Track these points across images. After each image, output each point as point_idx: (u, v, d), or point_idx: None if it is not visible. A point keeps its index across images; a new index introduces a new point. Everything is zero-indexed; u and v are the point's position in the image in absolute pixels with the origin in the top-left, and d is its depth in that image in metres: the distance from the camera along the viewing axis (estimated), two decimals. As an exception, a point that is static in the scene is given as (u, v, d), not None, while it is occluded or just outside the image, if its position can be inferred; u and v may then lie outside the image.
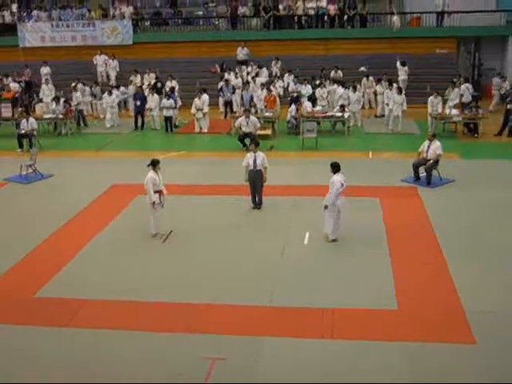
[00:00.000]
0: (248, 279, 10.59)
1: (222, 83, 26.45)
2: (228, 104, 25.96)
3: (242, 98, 24.80)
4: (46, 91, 26.76)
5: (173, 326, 9.07)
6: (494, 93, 26.68)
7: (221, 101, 26.73)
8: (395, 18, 29.83)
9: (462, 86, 24.08)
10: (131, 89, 27.16)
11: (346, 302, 9.68)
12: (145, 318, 9.38)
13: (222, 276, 10.74)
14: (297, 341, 8.61)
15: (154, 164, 12.55)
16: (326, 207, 11.90)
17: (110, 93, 24.62)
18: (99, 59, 30.12)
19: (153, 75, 28.77)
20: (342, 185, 11.87)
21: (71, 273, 11.05)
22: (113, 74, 29.97)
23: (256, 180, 14.00)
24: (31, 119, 20.71)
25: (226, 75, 27.69)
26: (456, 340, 8.54)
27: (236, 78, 27.30)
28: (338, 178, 11.93)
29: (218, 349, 8.40)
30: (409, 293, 9.95)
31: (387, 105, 23.32)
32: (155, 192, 12.34)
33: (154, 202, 12.30)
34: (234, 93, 25.98)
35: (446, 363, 7.99)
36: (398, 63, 27.52)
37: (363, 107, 25.47)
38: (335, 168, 12.08)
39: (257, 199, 14.19)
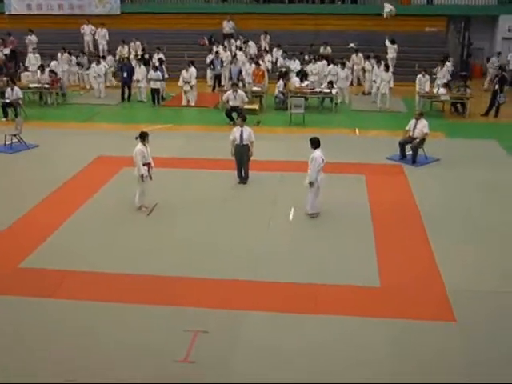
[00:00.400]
0: (232, 254, 10.62)
1: (211, 56, 26.26)
2: (217, 77, 25.79)
3: (230, 71, 24.65)
4: (33, 60, 26.24)
5: (155, 299, 9.09)
6: (490, 71, 26.72)
7: (209, 74, 26.61)
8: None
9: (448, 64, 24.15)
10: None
11: (329, 278, 9.75)
12: (127, 290, 9.39)
13: (206, 250, 10.76)
14: (279, 315, 8.67)
15: (143, 137, 12.47)
16: (311, 184, 11.90)
17: (98, 62, 24.36)
18: (86, 28, 29.73)
19: (139, 44, 28.51)
20: (323, 160, 11.87)
21: (55, 244, 11.03)
22: (102, 44, 29.50)
23: (242, 154, 13.97)
24: (16, 88, 20.46)
25: (215, 48, 27.49)
26: (437, 317, 8.64)
27: (225, 51, 27.07)
28: (318, 153, 11.93)
29: (200, 322, 8.45)
30: (391, 270, 10.03)
31: (375, 82, 23.30)
32: (143, 165, 12.27)
33: (142, 175, 12.25)
34: (222, 66, 25.81)
35: (426, 340, 8.10)
36: (387, 41, 27.42)
37: (351, 84, 25.41)
38: (316, 143, 12.06)
39: (243, 174, 14.18)
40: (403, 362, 7.68)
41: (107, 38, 29.48)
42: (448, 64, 24.38)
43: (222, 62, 25.99)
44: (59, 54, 26.40)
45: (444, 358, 7.72)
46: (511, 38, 29.34)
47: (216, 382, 7.27)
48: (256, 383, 7.23)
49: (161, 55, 26.11)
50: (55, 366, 7.55)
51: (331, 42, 28.20)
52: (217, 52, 26.48)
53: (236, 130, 14.00)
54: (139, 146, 12.35)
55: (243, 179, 14.20)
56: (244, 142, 13.87)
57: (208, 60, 26.43)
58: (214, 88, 25.73)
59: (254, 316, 8.68)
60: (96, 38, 29.70)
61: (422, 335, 8.21)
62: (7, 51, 28.35)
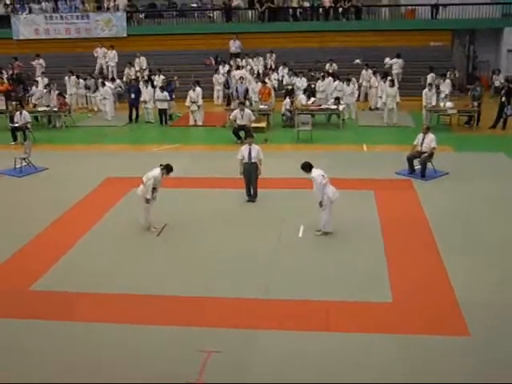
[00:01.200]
0: (243, 272, 10.59)
1: (220, 75, 26.32)
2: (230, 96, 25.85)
3: (236, 90, 24.75)
4: (40, 84, 26.30)
5: (168, 319, 9.06)
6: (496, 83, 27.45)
7: (221, 94, 26.77)
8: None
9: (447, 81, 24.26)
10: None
11: (340, 294, 9.69)
12: (139, 311, 9.36)
13: (217, 269, 10.74)
14: (292, 333, 8.61)
15: (168, 169, 12.39)
16: (320, 204, 11.88)
17: (103, 84, 24.54)
18: (100, 52, 29.93)
19: (143, 59, 28.72)
20: (323, 176, 11.82)
21: (67, 265, 11.02)
22: (111, 66, 29.66)
23: (251, 173, 13.99)
24: (24, 112, 20.61)
25: (221, 68, 27.66)
26: (450, 332, 8.56)
27: (236, 70, 27.26)
28: (316, 172, 11.89)
29: (213, 342, 8.40)
30: (403, 285, 9.97)
31: (380, 98, 23.35)
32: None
33: (148, 200, 12.25)
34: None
35: (440, 355, 8.01)
36: (388, 59, 27.51)
37: (358, 99, 25.47)
38: (307, 167, 11.99)
39: (251, 192, 14.18)
40: (417, 378, 7.58)
41: (116, 59, 29.65)
42: (447, 77, 24.50)
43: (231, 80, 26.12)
44: (66, 78, 26.62)
45: (459, 374, 7.62)
46: (516, 51, 29.42)
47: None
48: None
49: (162, 77, 26.26)
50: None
51: (336, 59, 28.31)
52: (228, 71, 26.65)
53: (244, 149, 14.03)
54: (158, 173, 12.27)
55: (252, 197, 14.20)
56: (252, 160, 13.88)
57: (218, 80, 26.45)
58: (228, 104, 25.55)
59: (266, 335, 8.62)
60: (106, 60, 29.87)
61: (436, 350, 8.12)
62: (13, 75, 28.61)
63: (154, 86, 24.78)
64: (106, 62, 29.89)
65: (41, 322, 9.08)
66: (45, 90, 24.39)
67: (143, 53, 29.58)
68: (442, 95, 23.03)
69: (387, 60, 28.21)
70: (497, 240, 11.71)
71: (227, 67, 27.69)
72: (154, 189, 12.36)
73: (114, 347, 8.40)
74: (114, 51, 29.67)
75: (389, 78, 23.82)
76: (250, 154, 13.90)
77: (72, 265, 11.05)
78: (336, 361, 7.96)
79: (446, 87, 23.72)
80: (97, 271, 10.74)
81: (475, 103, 21.23)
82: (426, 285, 10.00)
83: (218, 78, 27.13)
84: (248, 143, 14.06)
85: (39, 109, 23.51)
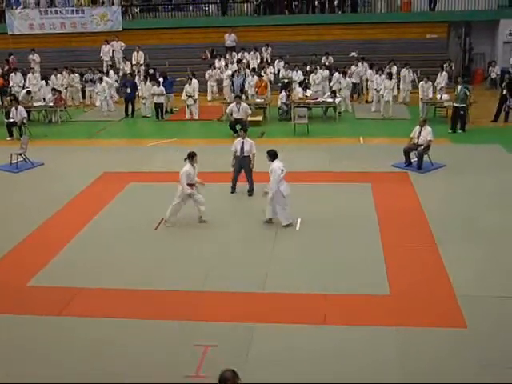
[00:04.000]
0: (240, 266, 10.59)
1: (228, 71, 26.10)
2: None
3: (232, 84, 24.69)
4: (33, 80, 26.00)
5: (164, 314, 9.06)
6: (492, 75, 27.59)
7: (215, 89, 26.71)
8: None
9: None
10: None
11: (338, 287, 9.70)
12: (136, 305, 9.36)
13: (214, 263, 10.74)
14: (289, 327, 8.62)
15: (192, 157, 12.35)
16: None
17: (101, 80, 24.46)
18: (116, 45, 29.64)
19: (142, 54, 28.63)
20: (282, 171, 11.90)
21: (63, 261, 11.01)
22: (118, 56, 29.46)
23: (243, 166, 14.06)
24: (20, 108, 20.53)
25: (217, 62, 27.57)
26: (448, 324, 8.58)
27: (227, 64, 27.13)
28: (277, 164, 11.97)
29: (210, 336, 8.41)
30: (401, 278, 9.98)
31: (376, 91, 23.33)
32: (188, 185, 12.16)
33: (190, 194, 12.16)
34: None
35: (437, 347, 8.03)
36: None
37: (354, 92, 25.46)
38: (273, 156, 12.11)
39: (248, 186, 14.21)
40: (416, 370, 7.60)
41: (123, 48, 29.56)
42: (444, 70, 24.45)
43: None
44: (64, 72, 26.50)
45: (457, 365, 7.64)
46: (512, 42, 29.40)
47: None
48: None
49: (151, 71, 26.16)
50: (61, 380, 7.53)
51: (333, 52, 28.25)
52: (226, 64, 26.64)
53: (237, 142, 14.04)
54: (187, 166, 12.22)
55: (249, 191, 14.21)
56: (245, 154, 13.92)
57: (226, 74, 26.26)
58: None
59: (264, 328, 8.62)
60: (113, 53, 29.62)
61: (433, 343, 8.14)
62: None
63: (152, 80, 24.62)
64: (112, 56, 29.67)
65: (38, 317, 9.07)
66: (39, 84, 24.40)
67: (139, 48, 29.47)
68: (439, 87, 23.02)
69: (353, 54, 28.26)
70: (494, 232, 11.72)
71: (223, 61, 27.59)
72: (192, 185, 12.24)
73: (111, 342, 8.39)
74: (119, 41, 29.57)
75: (386, 70, 23.77)
76: (242, 147, 13.92)
77: (69, 260, 11.04)
78: (333, 354, 7.96)
79: (442, 79, 23.68)
80: (94, 266, 10.73)
81: (458, 104, 19.87)
82: (423, 277, 10.01)
83: (213, 74, 26.94)
84: (241, 136, 14.06)
85: (35, 104, 23.45)
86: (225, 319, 8.83)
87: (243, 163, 14.00)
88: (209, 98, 26.62)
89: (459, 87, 19.81)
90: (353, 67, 25.77)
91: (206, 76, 26.46)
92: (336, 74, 24.09)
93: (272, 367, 7.71)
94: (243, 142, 13.95)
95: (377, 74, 23.54)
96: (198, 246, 11.54)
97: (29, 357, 8.10)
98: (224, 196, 14.21)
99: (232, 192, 14.30)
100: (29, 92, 23.89)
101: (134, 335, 8.54)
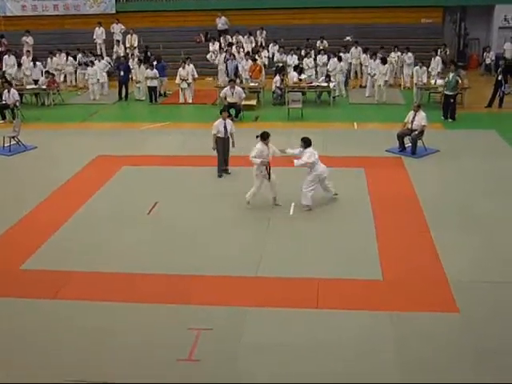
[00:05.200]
0: (233, 250, 10.61)
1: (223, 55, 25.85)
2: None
3: (226, 67, 24.57)
4: (26, 63, 25.57)
5: (157, 298, 9.06)
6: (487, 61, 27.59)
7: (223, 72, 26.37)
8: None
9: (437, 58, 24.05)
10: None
11: (331, 272, 9.73)
12: (129, 289, 9.37)
13: (208, 247, 10.74)
14: (282, 311, 8.64)
15: (264, 137, 12.20)
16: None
17: (92, 63, 24.27)
18: (116, 28, 29.33)
19: (136, 37, 28.43)
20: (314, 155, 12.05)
21: (57, 244, 11.01)
22: (117, 39, 29.04)
23: (226, 147, 14.21)
24: (13, 90, 20.38)
25: (211, 45, 27.41)
26: (440, 309, 8.62)
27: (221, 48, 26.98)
28: (311, 150, 12.14)
29: (204, 320, 8.43)
30: (394, 263, 10.02)
31: (370, 75, 23.29)
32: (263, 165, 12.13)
33: (262, 161, 12.10)
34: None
35: (430, 332, 8.08)
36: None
37: (349, 77, 25.38)
38: (307, 142, 12.24)
39: (227, 164, 14.49)
40: (409, 354, 7.65)
41: (122, 31, 29.31)
42: (438, 55, 24.35)
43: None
44: (58, 55, 26.33)
45: (449, 349, 7.70)
46: (507, 28, 29.27)
47: (220, 381, 7.25)
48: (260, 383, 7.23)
49: (149, 53, 25.96)
50: (57, 365, 7.55)
51: (328, 36, 28.14)
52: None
53: (219, 124, 14.08)
54: (259, 145, 12.13)
55: (226, 170, 14.48)
56: (228, 135, 14.08)
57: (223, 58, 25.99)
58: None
59: (257, 312, 8.65)
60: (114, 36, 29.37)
61: (425, 327, 8.19)
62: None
63: (147, 62, 24.45)
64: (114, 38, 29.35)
65: (31, 300, 9.07)
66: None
67: (133, 30, 29.24)
68: (433, 72, 22.95)
69: (348, 38, 28.18)
70: (487, 217, 11.76)
71: (217, 44, 27.44)
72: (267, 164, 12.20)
73: (104, 326, 8.40)
74: (119, 24, 29.34)
75: (379, 55, 23.69)
76: (225, 128, 13.98)
77: (62, 243, 11.03)
78: (326, 339, 7.99)
79: (436, 64, 23.58)
80: (88, 250, 10.72)
81: (448, 92, 19.64)
82: (416, 262, 10.04)
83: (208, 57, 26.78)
84: (223, 118, 14.09)
85: (27, 87, 23.30)
86: (218, 303, 8.85)
87: (226, 144, 14.14)
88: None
89: (451, 75, 19.73)
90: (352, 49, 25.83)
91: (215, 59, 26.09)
92: (331, 60, 24.01)
93: (265, 351, 7.74)
94: (225, 123, 14.01)
95: (371, 58, 23.48)
96: (191, 229, 11.53)
97: (22, 340, 8.11)
98: (218, 179, 14.19)
99: (220, 176, 14.32)
100: None
101: (127, 319, 8.55)
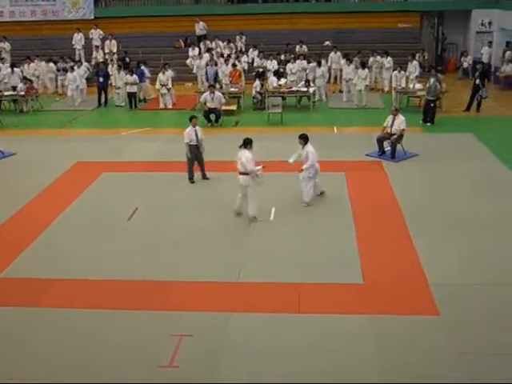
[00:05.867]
0: (214, 256, 10.58)
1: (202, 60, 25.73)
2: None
3: (206, 73, 24.55)
4: (4, 70, 25.28)
5: (138, 304, 9.02)
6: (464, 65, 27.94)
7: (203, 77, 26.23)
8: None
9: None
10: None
11: (312, 277, 9.73)
12: (110, 296, 9.32)
13: (189, 253, 10.71)
14: (264, 316, 8.64)
15: (246, 144, 12.03)
16: (302, 170, 12.54)
17: (72, 69, 24.13)
18: (94, 33, 29.24)
19: (114, 43, 28.33)
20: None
21: (35, 253, 10.90)
22: (96, 44, 28.99)
23: (198, 154, 14.20)
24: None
25: (190, 51, 27.39)
26: (420, 312, 8.67)
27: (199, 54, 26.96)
28: (311, 147, 12.50)
29: (185, 326, 8.40)
30: (374, 267, 10.05)
31: (345, 81, 23.43)
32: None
33: (257, 174, 11.90)
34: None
35: (410, 335, 8.12)
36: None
37: (328, 82, 25.47)
38: (306, 139, 12.62)
39: (203, 173, 14.48)
40: (389, 357, 7.67)
41: (101, 37, 29.18)
42: (415, 59, 24.49)
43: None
44: (36, 61, 26.15)
45: (429, 352, 7.73)
46: (484, 32, 29.60)
47: (202, 385, 7.24)
48: (243, 385, 7.21)
49: (127, 59, 25.90)
50: (38, 371, 7.46)
51: (307, 41, 28.25)
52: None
53: (190, 131, 14.06)
54: (248, 153, 11.89)
55: (204, 176, 14.47)
56: (199, 142, 14.10)
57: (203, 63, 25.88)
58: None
59: (238, 317, 8.64)
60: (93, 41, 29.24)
61: (406, 330, 8.23)
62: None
63: (126, 68, 24.37)
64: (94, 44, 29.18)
65: (11, 309, 8.98)
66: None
67: (112, 36, 29.14)
68: (411, 76, 23.11)
69: (327, 43, 28.31)
70: (466, 220, 11.85)
71: (196, 50, 27.43)
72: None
73: (85, 333, 8.34)
74: (98, 30, 29.20)
75: (356, 59, 23.82)
76: (197, 135, 13.97)
77: (41, 251, 10.95)
78: (308, 343, 8.00)
79: (414, 68, 23.71)
80: (67, 257, 10.64)
81: (429, 97, 19.75)
82: (396, 266, 10.09)
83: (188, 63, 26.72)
84: (193, 125, 14.08)
85: (5, 93, 23.11)
86: (200, 309, 8.83)
87: (198, 151, 14.16)
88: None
89: (432, 79, 19.88)
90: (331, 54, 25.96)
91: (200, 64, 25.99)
92: (310, 64, 24.11)
93: (247, 357, 7.73)
94: (196, 130, 14.02)
95: (346, 63, 23.64)
96: (172, 235, 11.50)
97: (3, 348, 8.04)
98: (198, 186, 14.17)
99: (192, 182, 14.31)
100: None
101: (107, 326, 8.49)
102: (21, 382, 7.21)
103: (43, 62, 26.32)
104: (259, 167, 11.94)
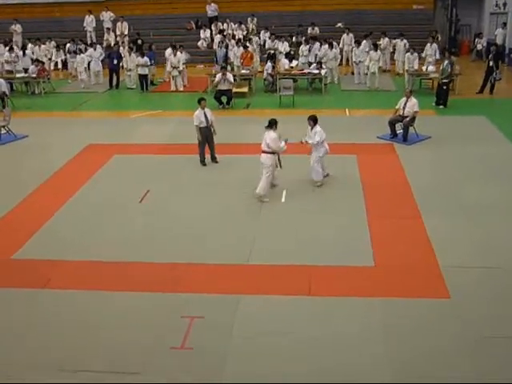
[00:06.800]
0: (225, 238, 10.60)
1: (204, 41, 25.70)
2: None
3: (215, 55, 24.48)
4: (17, 50, 25.53)
5: (149, 286, 9.05)
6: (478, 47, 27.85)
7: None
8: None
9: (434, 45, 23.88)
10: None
11: (323, 259, 9.73)
12: (121, 278, 9.35)
13: (199, 235, 10.72)
14: (274, 298, 8.65)
15: (271, 125, 12.19)
16: (305, 142, 12.71)
17: (81, 51, 24.13)
18: (105, 15, 29.28)
19: (126, 25, 28.28)
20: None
21: (49, 234, 10.96)
22: (107, 27, 29.09)
23: (209, 136, 14.12)
24: (1, 80, 20.19)
25: (202, 33, 27.31)
26: (431, 295, 8.65)
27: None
28: (319, 128, 12.53)
29: (196, 308, 8.43)
30: (385, 249, 10.03)
31: (355, 63, 23.27)
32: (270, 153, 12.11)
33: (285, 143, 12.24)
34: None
35: (420, 317, 8.10)
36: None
37: (340, 64, 25.34)
38: (315, 121, 12.63)
39: (214, 155, 14.43)
40: (400, 340, 7.67)
41: (111, 19, 29.27)
42: (434, 42, 24.19)
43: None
44: (47, 43, 26.17)
45: (439, 335, 7.73)
46: (498, 13, 29.25)
47: (213, 368, 7.26)
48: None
49: (140, 41, 25.88)
50: (48, 356, 7.52)
51: (318, 23, 28.06)
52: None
53: (200, 114, 13.98)
54: (272, 133, 12.06)
55: (214, 159, 14.39)
56: (209, 124, 14.00)
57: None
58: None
59: (249, 300, 8.65)
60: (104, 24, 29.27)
61: (416, 313, 8.21)
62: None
63: (138, 50, 24.34)
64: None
65: (23, 290, 9.04)
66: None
67: (122, 18, 29.10)
68: (430, 59, 22.82)
69: (339, 25, 27.98)
70: (478, 204, 11.77)
71: (208, 32, 27.33)
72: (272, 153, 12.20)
73: (97, 315, 8.39)
74: (108, 12, 29.18)
75: (366, 42, 23.64)
76: (206, 117, 13.92)
77: (54, 233, 11.00)
78: (318, 325, 8.00)
79: (433, 51, 23.35)
80: (79, 238, 10.69)
81: (444, 80, 19.52)
82: (407, 248, 10.07)
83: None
84: (201, 107, 14.01)
85: (17, 75, 23.15)
86: (211, 291, 8.84)
87: (208, 133, 14.07)
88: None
89: (445, 62, 19.67)
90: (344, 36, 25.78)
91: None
92: (323, 46, 23.94)
93: (257, 339, 7.75)
94: (205, 113, 13.94)
95: (355, 45, 23.48)
96: (183, 218, 11.51)
97: (12, 329, 8.10)
98: (208, 168, 14.16)
99: (204, 165, 14.27)
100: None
101: (118, 308, 8.54)
102: (21, 382, 7.25)
103: (52, 45, 26.32)
104: (283, 143, 12.17)
